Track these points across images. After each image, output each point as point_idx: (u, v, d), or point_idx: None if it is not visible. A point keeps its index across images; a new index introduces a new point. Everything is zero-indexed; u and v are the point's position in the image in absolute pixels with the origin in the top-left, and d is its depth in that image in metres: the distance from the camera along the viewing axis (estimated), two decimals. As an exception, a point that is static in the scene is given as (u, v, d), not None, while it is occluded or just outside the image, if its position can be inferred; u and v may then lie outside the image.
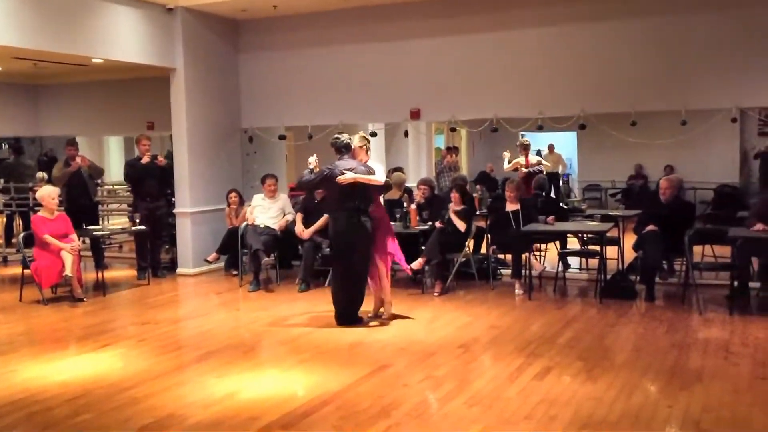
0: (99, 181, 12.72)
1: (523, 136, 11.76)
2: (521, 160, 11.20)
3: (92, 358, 5.77)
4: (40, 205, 8.03)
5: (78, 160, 9.24)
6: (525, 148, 11.24)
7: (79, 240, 7.96)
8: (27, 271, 7.79)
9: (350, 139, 6.64)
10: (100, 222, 12.57)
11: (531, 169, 10.97)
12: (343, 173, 6.34)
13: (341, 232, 6.43)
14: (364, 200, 6.43)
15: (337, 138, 6.62)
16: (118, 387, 4.99)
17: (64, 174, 9.21)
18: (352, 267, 6.47)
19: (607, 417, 4.25)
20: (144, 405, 4.64)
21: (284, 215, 8.70)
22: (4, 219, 11.57)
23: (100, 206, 12.83)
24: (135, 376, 5.23)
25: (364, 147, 6.67)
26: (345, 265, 6.51)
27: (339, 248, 6.53)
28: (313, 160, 6.58)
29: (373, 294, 6.77)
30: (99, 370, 5.45)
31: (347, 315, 6.54)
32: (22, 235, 8.14)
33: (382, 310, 6.77)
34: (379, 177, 6.53)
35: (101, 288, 8.29)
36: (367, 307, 6.75)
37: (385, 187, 7.64)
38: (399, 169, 11.44)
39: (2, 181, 11.76)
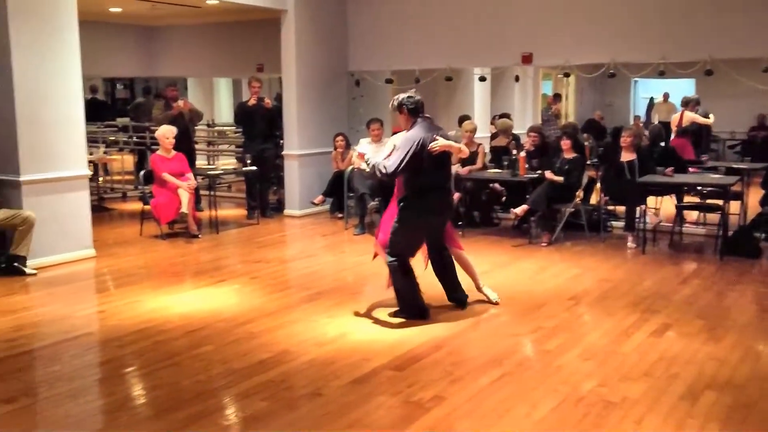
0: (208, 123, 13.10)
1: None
2: (676, 117, 10.19)
3: (209, 293, 6.01)
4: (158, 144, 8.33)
5: (180, 103, 9.12)
6: (684, 104, 10.09)
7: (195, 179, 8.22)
8: (147, 207, 8.16)
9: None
10: (211, 163, 13.00)
11: (684, 128, 9.95)
12: (435, 139, 5.06)
13: (442, 212, 5.33)
14: (448, 173, 5.42)
15: (411, 96, 5.22)
16: (235, 321, 5.18)
17: (165, 116, 8.98)
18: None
19: (733, 379, 4.06)
20: (260, 340, 4.79)
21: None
22: (136, 156, 12.02)
23: (210, 146, 13.28)
24: (250, 312, 5.41)
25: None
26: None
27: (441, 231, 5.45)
28: (361, 157, 5.98)
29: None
30: (216, 304, 5.67)
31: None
32: (142, 172, 8.50)
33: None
34: (463, 146, 5.47)
35: (214, 226, 8.59)
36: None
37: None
38: (506, 115, 11.18)
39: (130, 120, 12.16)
